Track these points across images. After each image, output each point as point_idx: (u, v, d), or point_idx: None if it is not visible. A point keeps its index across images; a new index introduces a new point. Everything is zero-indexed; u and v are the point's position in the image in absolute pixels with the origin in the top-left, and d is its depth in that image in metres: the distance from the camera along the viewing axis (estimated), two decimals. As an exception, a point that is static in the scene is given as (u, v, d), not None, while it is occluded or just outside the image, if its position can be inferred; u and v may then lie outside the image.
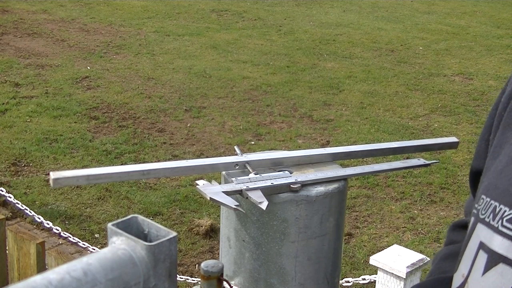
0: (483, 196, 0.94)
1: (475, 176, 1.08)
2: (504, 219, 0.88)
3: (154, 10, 11.41)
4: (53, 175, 1.27)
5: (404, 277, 2.30)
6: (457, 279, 0.97)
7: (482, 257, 0.90)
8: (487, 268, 0.88)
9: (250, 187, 1.35)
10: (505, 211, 0.88)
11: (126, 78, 7.56)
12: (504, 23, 11.81)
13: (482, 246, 0.91)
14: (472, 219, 0.97)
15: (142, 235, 0.78)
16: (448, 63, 8.87)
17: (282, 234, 1.38)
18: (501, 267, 0.87)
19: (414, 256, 2.38)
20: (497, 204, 0.90)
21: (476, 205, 0.96)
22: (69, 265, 0.70)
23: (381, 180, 5.21)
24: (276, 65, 8.35)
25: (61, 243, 4.12)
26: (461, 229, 1.20)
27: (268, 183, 1.37)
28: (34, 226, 4.27)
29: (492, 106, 1.07)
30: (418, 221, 4.64)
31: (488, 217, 0.91)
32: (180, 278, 3.55)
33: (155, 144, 5.72)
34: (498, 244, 0.88)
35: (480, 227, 0.92)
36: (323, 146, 5.77)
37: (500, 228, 0.88)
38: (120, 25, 10.17)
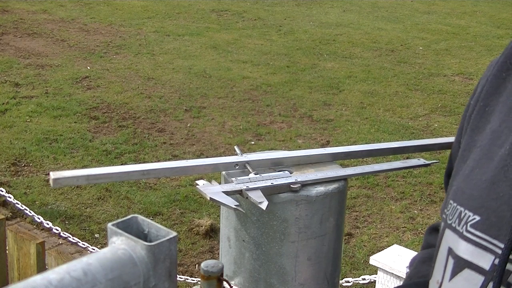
0: (451, 201, 0.94)
1: (449, 178, 1.08)
2: (468, 224, 0.88)
3: (154, 10, 11.41)
4: (53, 175, 1.27)
5: (404, 277, 2.30)
6: (432, 286, 0.97)
7: (450, 263, 0.90)
8: (454, 273, 0.89)
9: (250, 187, 1.35)
10: (469, 216, 0.88)
11: (126, 78, 7.56)
12: (504, 23, 11.81)
13: (450, 252, 0.91)
14: (442, 224, 0.96)
15: (142, 235, 0.78)
16: (448, 63, 8.87)
17: (282, 234, 1.38)
18: (466, 272, 0.87)
19: (414, 256, 2.38)
20: (462, 209, 0.90)
21: (445, 210, 0.96)
22: (69, 265, 0.70)
23: (381, 180, 5.21)
24: (276, 65, 8.34)
25: (61, 243, 4.12)
26: (438, 232, 1.20)
27: (268, 183, 1.37)
28: (34, 226, 4.27)
29: (465, 108, 1.07)
30: (418, 221, 4.64)
31: (455, 222, 0.91)
32: (180, 278, 3.55)
33: (155, 144, 5.71)
34: (463, 249, 0.88)
35: (447, 233, 0.93)
36: (323, 146, 5.77)
37: (465, 233, 0.88)
38: (120, 25, 10.17)
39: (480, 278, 0.85)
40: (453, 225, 0.91)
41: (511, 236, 0.81)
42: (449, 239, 0.92)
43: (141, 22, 10.46)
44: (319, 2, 13.03)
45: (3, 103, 6.50)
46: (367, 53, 9.20)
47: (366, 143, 5.07)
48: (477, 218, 0.87)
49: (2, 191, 4.22)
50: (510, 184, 0.86)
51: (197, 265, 4.00)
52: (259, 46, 9.30)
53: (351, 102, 7.08)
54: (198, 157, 5.38)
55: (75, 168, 5.09)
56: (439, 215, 1.23)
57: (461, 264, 0.88)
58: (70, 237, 3.85)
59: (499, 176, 0.88)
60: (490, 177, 0.89)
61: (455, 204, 0.93)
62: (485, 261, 0.84)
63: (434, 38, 10.35)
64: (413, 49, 9.55)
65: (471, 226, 0.87)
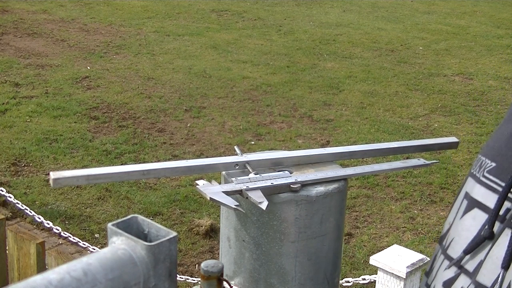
0: (479, 155, 1.02)
1: None
2: (485, 170, 0.95)
3: (154, 10, 11.41)
4: (53, 175, 1.27)
5: (404, 277, 2.31)
6: (444, 227, 1.04)
7: (464, 204, 0.98)
8: (465, 212, 0.96)
9: (250, 187, 1.35)
10: (487, 163, 0.96)
11: (126, 78, 7.56)
12: (504, 23, 11.81)
13: (466, 195, 0.98)
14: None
15: (142, 235, 0.78)
16: (448, 63, 8.87)
17: (282, 234, 1.38)
18: (474, 211, 0.94)
19: (414, 256, 2.38)
20: (484, 158, 0.98)
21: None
22: (69, 265, 0.70)
23: (381, 180, 5.21)
24: (276, 65, 8.35)
25: (61, 243, 4.12)
26: None
27: (268, 183, 1.37)
28: (34, 226, 4.27)
29: None
30: (418, 221, 4.64)
31: (475, 169, 0.98)
32: (180, 278, 3.55)
33: (155, 144, 5.72)
34: (476, 191, 0.95)
35: (468, 180, 1.00)
36: (323, 146, 5.77)
37: (481, 178, 0.95)
38: (120, 25, 10.17)
39: (484, 216, 0.91)
40: (473, 172, 0.98)
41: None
42: (468, 185, 0.99)
43: (141, 22, 10.46)
44: (319, 2, 13.03)
45: (3, 103, 6.50)
46: (367, 53, 9.20)
47: (366, 143, 5.07)
48: (493, 165, 0.94)
49: (2, 191, 4.22)
50: None
51: (197, 265, 4.00)
52: (259, 46, 9.30)
53: (351, 102, 7.08)
54: (198, 157, 5.38)
55: (75, 168, 5.09)
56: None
57: (472, 204, 0.95)
58: (70, 237, 3.85)
59: None
60: (511, 130, 0.95)
61: (480, 156, 1.00)
62: (492, 201, 0.90)
63: (434, 38, 10.35)
64: (413, 49, 9.55)
65: (487, 172, 0.95)
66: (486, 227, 0.88)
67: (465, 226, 0.94)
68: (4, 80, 7.23)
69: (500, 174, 0.92)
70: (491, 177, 0.93)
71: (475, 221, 0.92)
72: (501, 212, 0.88)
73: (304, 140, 5.99)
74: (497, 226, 0.88)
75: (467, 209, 0.95)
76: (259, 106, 6.82)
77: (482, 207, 0.92)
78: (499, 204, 0.88)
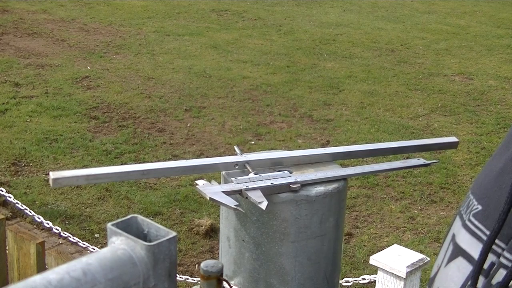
0: (469, 190, 0.95)
1: None
2: (471, 213, 0.88)
3: (154, 10, 11.41)
4: (52, 175, 1.27)
5: (404, 277, 2.30)
6: (433, 269, 0.98)
7: (450, 249, 0.91)
8: (449, 260, 0.89)
9: (250, 187, 1.35)
10: (474, 205, 0.88)
11: (126, 78, 7.56)
12: (504, 23, 11.81)
13: (452, 238, 0.91)
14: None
15: (142, 235, 0.78)
16: (448, 63, 8.87)
17: (282, 234, 1.38)
18: (459, 260, 0.87)
19: (414, 256, 2.38)
20: (472, 197, 0.90)
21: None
22: (69, 265, 0.70)
23: (381, 180, 5.21)
24: (276, 65, 8.34)
25: (61, 243, 4.12)
26: None
27: (268, 183, 1.37)
28: (34, 226, 4.27)
29: None
30: (418, 221, 4.64)
31: (463, 209, 0.91)
32: (180, 278, 3.55)
33: (155, 144, 5.72)
34: (461, 237, 0.88)
35: (456, 219, 0.93)
36: (323, 146, 5.76)
37: (466, 222, 0.88)
38: (120, 25, 10.17)
39: (469, 268, 0.84)
40: (462, 212, 0.91)
41: (495, 225, 0.80)
42: (455, 226, 0.92)
43: (141, 22, 10.46)
44: (319, 2, 13.02)
45: (3, 103, 6.50)
46: (367, 53, 9.20)
47: (366, 143, 5.07)
48: (479, 208, 0.86)
49: (2, 191, 4.22)
50: None
51: (197, 265, 4.00)
52: (259, 46, 9.30)
53: (351, 102, 7.08)
54: (198, 157, 5.38)
55: (75, 168, 5.09)
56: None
57: (456, 251, 0.88)
58: (70, 237, 3.85)
59: (507, 168, 0.86)
60: (499, 168, 0.87)
61: (469, 193, 0.92)
62: (476, 251, 0.83)
63: (434, 38, 10.35)
64: (413, 49, 9.55)
65: (473, 215, 0.87)
66: (469, 283, 0.81)
67: (449, 276, 0.87)
68: (4, 80, 7.23)
69: (485, 220, 0.84)
70: (476, 222, 0.85)
71: (459, 272, 0.85)
72: (485, 266, 0.80)
73: (304, 140, 5.99)
74: (481, 281, 0.80)
75: (452, 257, 0.88)
76: (259, 106, 6.82)
77: (467, 256, 0.85)
78: (483, 258, 0.80)
